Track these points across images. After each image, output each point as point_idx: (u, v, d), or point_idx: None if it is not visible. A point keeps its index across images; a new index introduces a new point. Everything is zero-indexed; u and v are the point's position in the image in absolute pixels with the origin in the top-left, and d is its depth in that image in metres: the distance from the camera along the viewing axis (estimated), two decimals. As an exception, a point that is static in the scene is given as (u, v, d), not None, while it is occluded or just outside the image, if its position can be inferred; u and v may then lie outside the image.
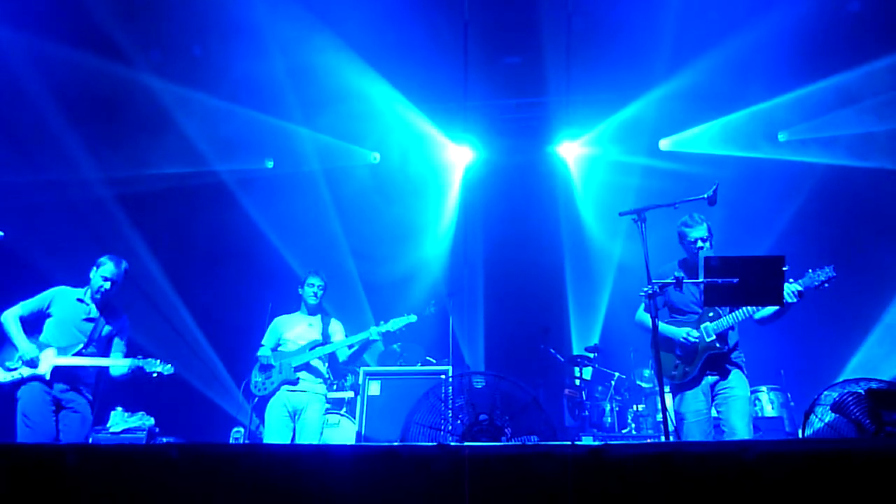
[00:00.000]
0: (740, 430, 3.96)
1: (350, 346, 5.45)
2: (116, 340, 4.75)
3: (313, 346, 5.41)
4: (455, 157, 8.84)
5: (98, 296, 4.62)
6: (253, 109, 7.72)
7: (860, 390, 3.72)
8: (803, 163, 7.60)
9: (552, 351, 7.62)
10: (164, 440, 6.28)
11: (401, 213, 8.59)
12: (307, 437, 5.22)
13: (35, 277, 5.62)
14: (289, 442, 5.24)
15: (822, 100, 7.24)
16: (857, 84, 6.95)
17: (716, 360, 4.15)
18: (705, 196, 4.19)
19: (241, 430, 7.03)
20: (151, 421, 6.31)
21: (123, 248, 7.66)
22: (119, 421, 6.21)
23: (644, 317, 4.29)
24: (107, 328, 4.69)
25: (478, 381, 6.27)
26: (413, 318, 5.50)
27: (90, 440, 5.95)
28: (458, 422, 6.33)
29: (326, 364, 5.52)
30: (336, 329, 5.59)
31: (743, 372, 4.17)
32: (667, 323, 4.27)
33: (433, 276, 8.78)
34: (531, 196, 8.89)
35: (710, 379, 4.15)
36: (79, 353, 4.49)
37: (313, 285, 5.56)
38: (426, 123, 8.26)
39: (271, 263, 8.45)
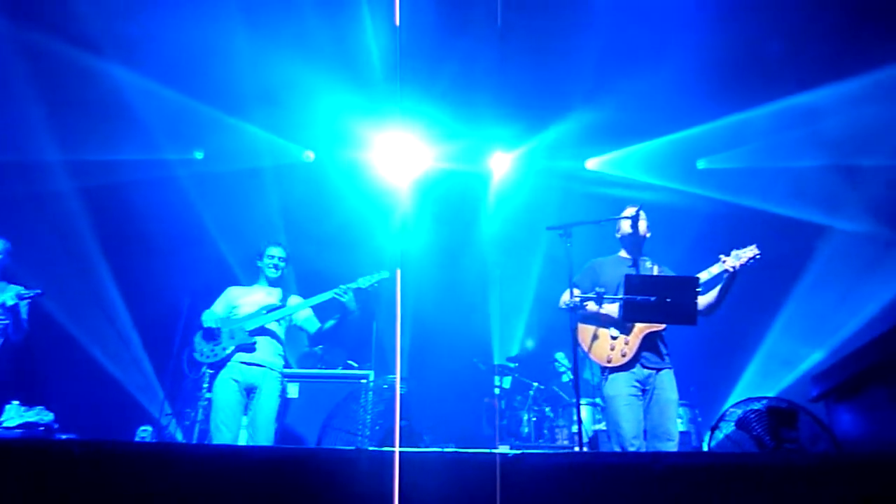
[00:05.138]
0: (675, 435, 3.94)
1: (329, 321, 4.91)
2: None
3: (270, 309, 4.90)
4: (386, 164, 8.77)
5: None
6: (185, 96, 7.43)
7: (762, 408, 3.93)
8: (717, 190, 8.02)
9: (474, 360, 7.71)
10: (65, 438, 5.97)
11: (331, 216, 8.47)
12: (263, 424, 4.68)
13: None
14: (243, 421, 4.76)
15: (740, 132, 7.62)
16: (771, 119, 7.37)
17: (653, 342, 4.11)
18: (629, 216, 4.40)
19: (149, 428, 6.75)
20: (51, 416, 5.97)
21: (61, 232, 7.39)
22: (14, 416, 5.84)
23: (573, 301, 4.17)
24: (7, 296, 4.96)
25: (399, 387, 6.27)
26: (385, 273, 5.01)
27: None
28: (377, 427, 6.31)
29: (284, 336, 5.02)
30: (298, 301, 5.11)
31: (673, 373, 4.14)
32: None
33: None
34: (458, 205, 8.96)
35: (645, 372, 4.06)
36: None
37: (273, 257, 5.09)
38: (360, 128, 8.18)
39: (196, 256, 8.15)
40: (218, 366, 4.74)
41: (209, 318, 4.85)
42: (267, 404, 4.73)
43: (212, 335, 4.78)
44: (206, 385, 6.26)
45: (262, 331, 4.85)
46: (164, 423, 6.61)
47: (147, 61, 6.98)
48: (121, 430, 6.95)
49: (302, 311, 5.08)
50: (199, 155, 8.47)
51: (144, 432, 6.76)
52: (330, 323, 4.98)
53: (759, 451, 3.81)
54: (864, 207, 7.03)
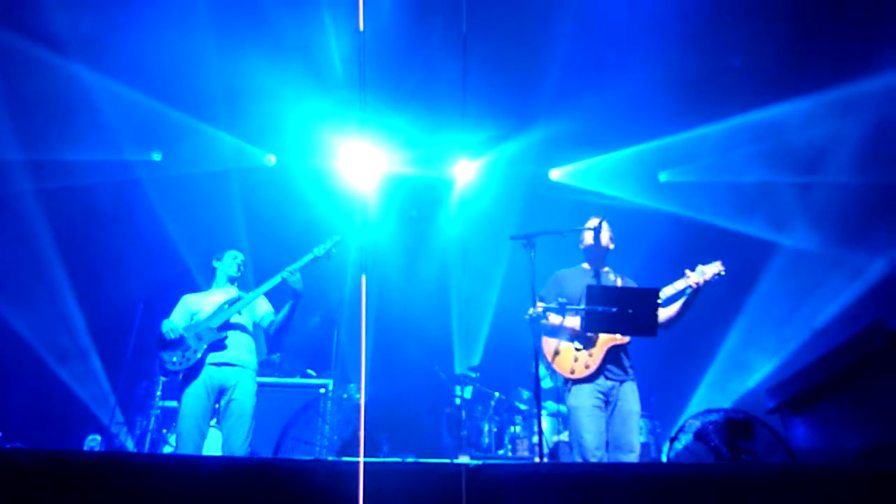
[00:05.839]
0: (636, 446, 3.96)
1: (282, 311, 4.74)
2: None
3: (232, 301, 4.66)
4: (349, 170, 8.72)
5: None
6: (148, 97, 7.26)
7: (719, 420, 3.99)
8: (678, 203, 8.18)
9: (436, 369, 7.68)
10: (10, 447, 5.75)
11: (294, 220, 8.37)
12: (241, 423, 4.40)
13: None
14: (209, 432, 4.50)
15: (699, 147, 7.79)
16: (730, 135, 7.56)
17: (617, 355, 4.11)
18: (592, 227, 4.43)
19: (98, 437, 6.54)
20: (-5, 426, 5.78)
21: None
22: (-45, 424, 5.63)
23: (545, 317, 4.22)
24: None
25: (358, 396, 6.19)
26: (338, 237, 4.92)
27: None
28: (335, 437, 6.23)
29: (252, 329, 4.80)
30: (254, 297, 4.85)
31: (636, 385, 4.15)
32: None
33: (321, 286, 8.61)
34: (421, 213, 8.96)
35: (608, 383, 4.06)
36: None
37: (236, 258, 4.93)
38: (324, 133, 8.11)
39: (154, 260, 7.95)
40: (194, 369, 4.45)
41: (168, 326, 4.57)
42: (244, 403, 4.47)
43: (175, 343, 4.51)
44: (159, 393, 6.10)
45: (230, 325, 4.63)
46: (114, 432, 6.41)
47: (110, 62, 6.81)
48: (68, 439, 6.71)
49: (262, 306, 4.91)
50: (156, 157, 8.27)
51: (93, 441, 6.55)
52: (283, 312, 4.77)
53: (717, 461, 3.87)
54: (814, 225, 7.25)
